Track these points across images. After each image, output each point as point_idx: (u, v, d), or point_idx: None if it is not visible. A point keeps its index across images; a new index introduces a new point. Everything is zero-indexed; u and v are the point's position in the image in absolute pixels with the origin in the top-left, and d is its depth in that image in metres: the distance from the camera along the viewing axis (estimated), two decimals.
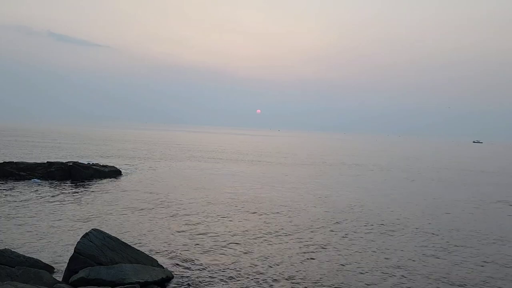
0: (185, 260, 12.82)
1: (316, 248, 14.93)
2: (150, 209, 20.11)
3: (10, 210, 18.38)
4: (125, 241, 12.27)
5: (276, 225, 18.06)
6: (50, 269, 11.22)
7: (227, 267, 12.48)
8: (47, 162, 30.75)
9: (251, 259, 13.33)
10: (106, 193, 23.98)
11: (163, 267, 11.67)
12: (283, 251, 14.31)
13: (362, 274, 12.42)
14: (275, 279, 11.73)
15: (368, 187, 32.08)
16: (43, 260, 11.53)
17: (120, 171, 31.66)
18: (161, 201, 22.12)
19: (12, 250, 11.40)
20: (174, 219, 18.27)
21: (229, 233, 16.33)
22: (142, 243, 14.32)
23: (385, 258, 14.04)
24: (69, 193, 23.49)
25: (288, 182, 33.01)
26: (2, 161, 29.45)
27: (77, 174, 28.94)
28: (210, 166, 42.70)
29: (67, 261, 10.70)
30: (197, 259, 12.97)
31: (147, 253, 12.40)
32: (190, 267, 12.24)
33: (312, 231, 17.29)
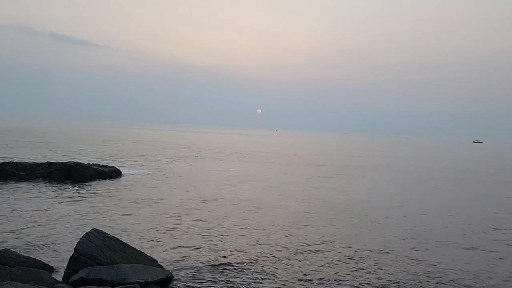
0: (185, 260, 12.82)
1: (319, 247, 14.93)
2: (150, 209, 20.11)
3: (9, 210, 18.37)
4: (125, 241, 12.27)
5: (277, 225, 18.05)
6: (50, 269, 11.22)
7: (227, 267, 12.47)
8: (47, 162, 30.74)
9: (252, 259, 13.32)
10: (106, 193, 23.97)
11: (163, 267, 11.66)
12: (284, 251, 14.30)
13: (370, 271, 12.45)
14: (276, 279, 11.73)
15: (368, 188, 32.10)
16: (43, 260, 11.55)
17: (120, 171, 31.66)
18: (161, 201, 22.12)
19: (12, 250, 11.41)
20: (174, 219, 18.26)
21: (230, 233, 16.33)
22: (142, 243, 14.31)
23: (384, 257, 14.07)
24: (69, 193, 23.48)
25: (289, 183, 33.02)
26: (2, 161, 29.43)
27: (77, 174, 28.92)
28: (211, 165, 42.70)
29: (67, 261, 10.71)
30: (197, 259, 12.97)
31: (147, 253, 12.39)
32: (190, 267, 12.24)
33: (314, 231, 17.29)
